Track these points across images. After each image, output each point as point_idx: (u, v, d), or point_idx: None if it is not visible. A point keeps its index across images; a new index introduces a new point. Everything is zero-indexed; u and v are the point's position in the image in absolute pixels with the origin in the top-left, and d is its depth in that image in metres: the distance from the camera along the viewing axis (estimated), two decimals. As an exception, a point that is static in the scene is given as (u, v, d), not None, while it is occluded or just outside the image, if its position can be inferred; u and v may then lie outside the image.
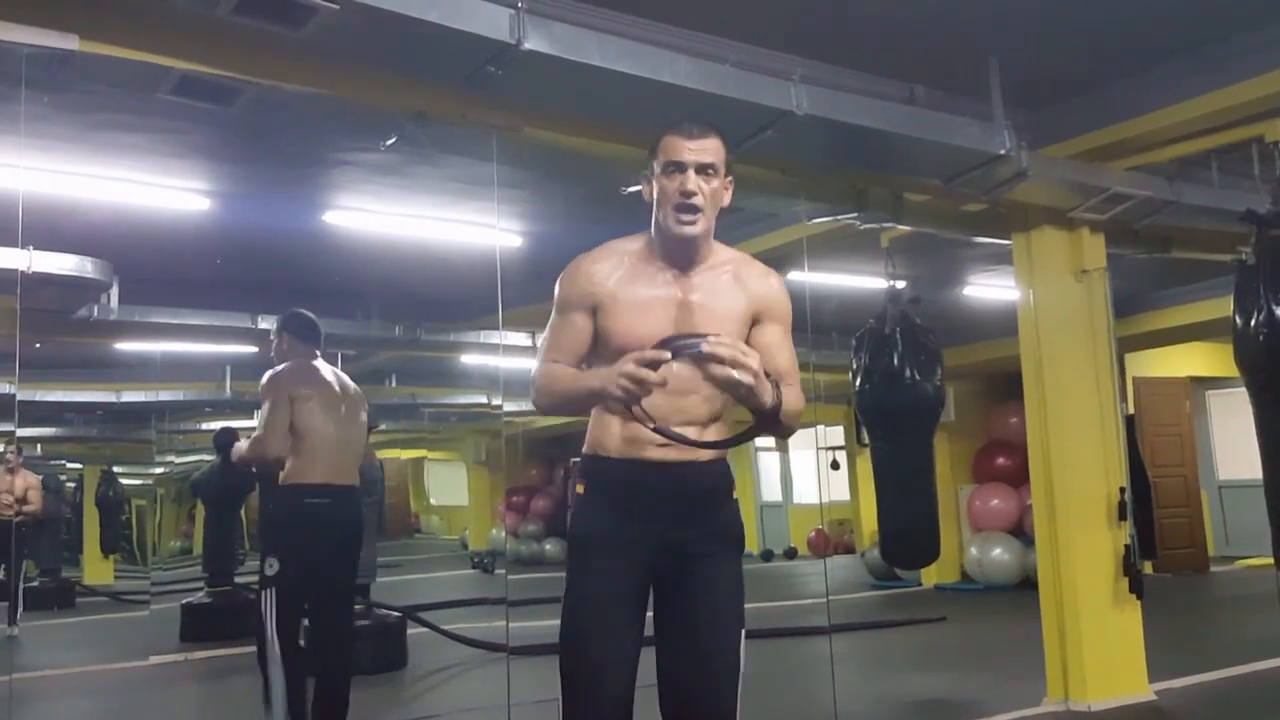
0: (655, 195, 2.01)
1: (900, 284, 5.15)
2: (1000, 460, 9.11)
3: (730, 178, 2.04)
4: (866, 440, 5.25)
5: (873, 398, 5.09)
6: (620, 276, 2.01)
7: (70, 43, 2.59)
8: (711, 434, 1.98)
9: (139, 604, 7.94)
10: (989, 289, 7.08)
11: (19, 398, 4.33)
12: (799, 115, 3.29)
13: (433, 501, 16.71)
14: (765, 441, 14.24)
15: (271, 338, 3.73)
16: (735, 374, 1.73)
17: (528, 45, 2.76)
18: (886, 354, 4.97)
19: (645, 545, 1.97)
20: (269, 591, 3.41)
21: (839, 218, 4.41)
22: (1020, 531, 8.72)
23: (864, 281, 5.80)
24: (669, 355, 1.77)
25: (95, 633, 8.10)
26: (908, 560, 5.96)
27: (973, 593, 8.93)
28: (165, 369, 7.28)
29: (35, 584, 8.65)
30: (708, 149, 1.98)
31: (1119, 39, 3.77)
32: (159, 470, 9.27)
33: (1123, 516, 4.45)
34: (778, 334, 2.05)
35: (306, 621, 3.57)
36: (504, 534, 12.93)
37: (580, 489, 2.06)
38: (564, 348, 2.01)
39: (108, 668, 6.27)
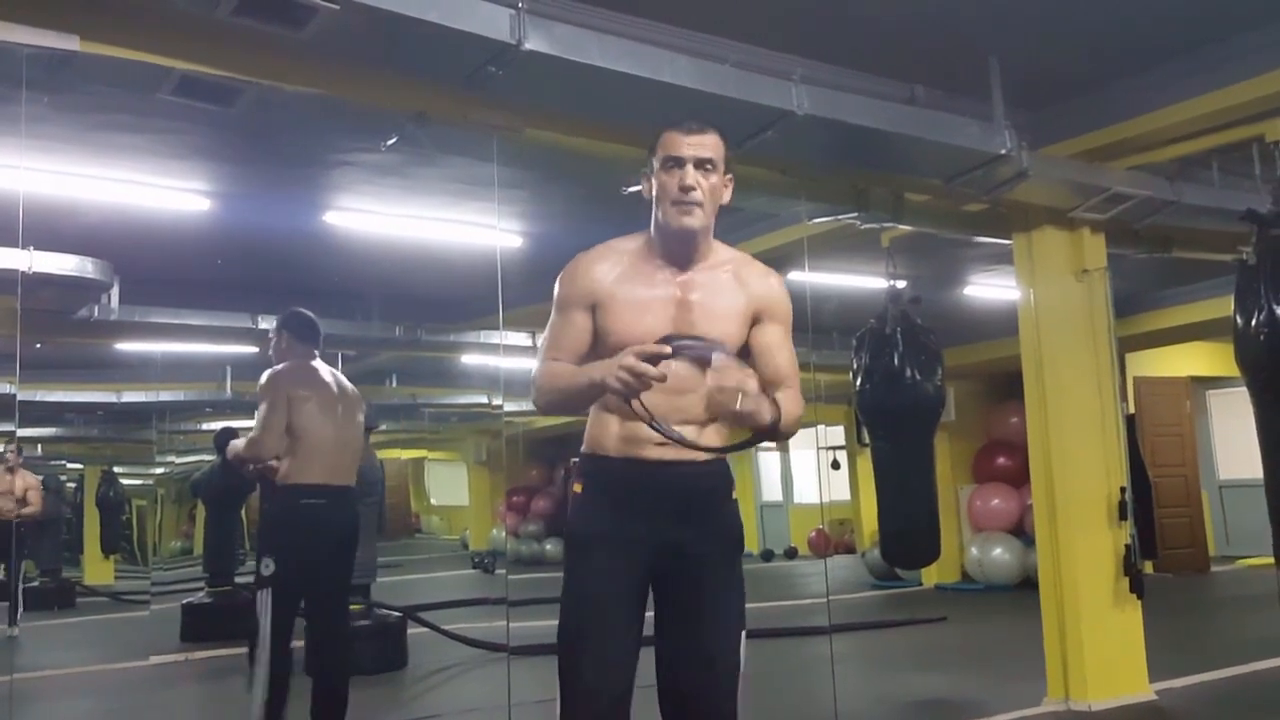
0: (655, 192, 2.01)
1: (901, 284, 5.15)
2: (1001, 460, 9.11)
3: (730, 175, 2.04)
4: (867, 440, 5.25)
5: (873, 398, 5.09)
6: (619, 275, 2.00)
7: (71, 43, 2.59)
8: (710, 434, 1.97)
9: (139, 604, 7.94)
10: (989, 289, 7.08)
11: (19, 398, 4.33)
12: (799, 115, 3.28)
13: (433, 501, 16.72)
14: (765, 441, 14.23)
15: (270, 336, 3.73)
16: (737, 406, 1.75)
17: (528, 45, 2.76)
18: (887, 354, 4.97)
19: (644, 545, 1.97)
20: (264, 592, 3.41)
21: (839, 218, 4.42)
22: (1021, 531, 8.71)
23: (864, 281, 5.80)
24: (669, 350, 1.77)
25: (96, 633, 8.10)
26: (908, 560, 5.96)
27: (973, 593, 8.93)
28: (166, 369, 7.28)
29: (35, 584, 8.65)
30: (706, 144, 1.98)
31: (1119, 39, 3.77)
32: (159, 470, 9.27)
33: (1123, 516, 4.45)
34: (777, 335, 2.05)
35: (304, 622, 3.57)
36: (504, 534, 12.93)
37: (578, 488, 2.05)
38: (564, 346, 2.01)
39: (108, 668, 6.27)
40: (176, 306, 5.95)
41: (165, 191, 4.75)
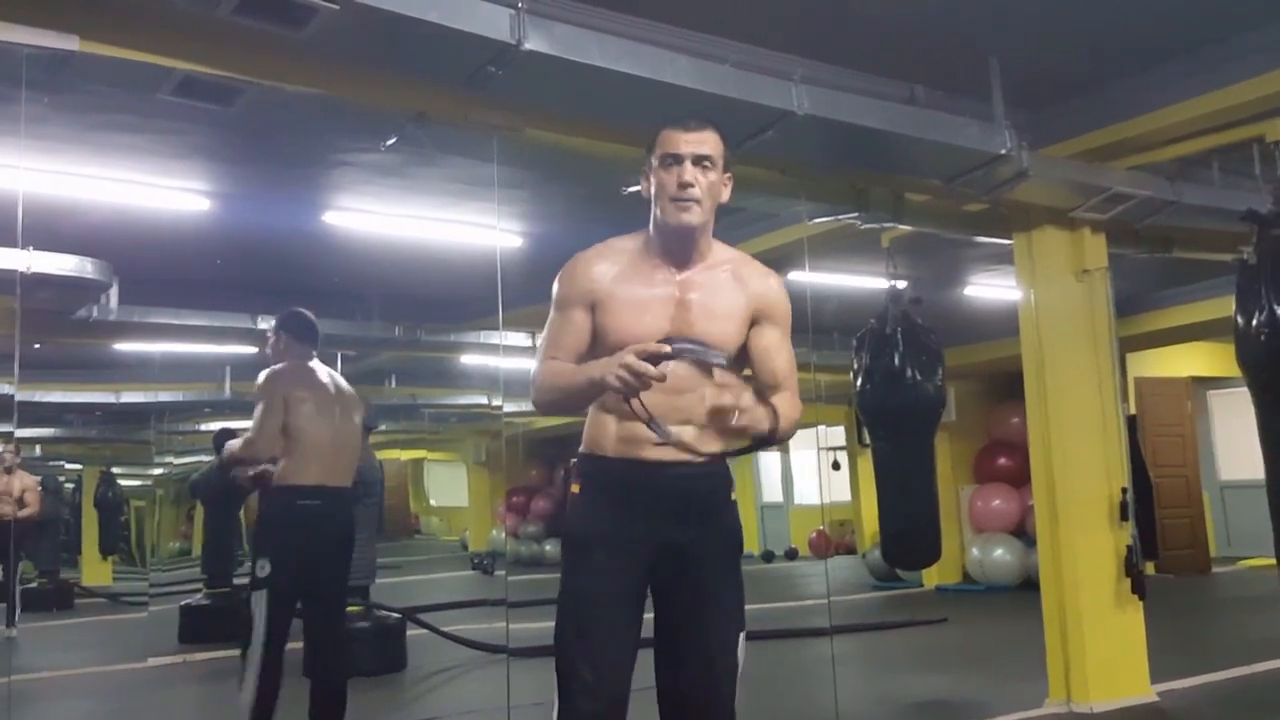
0: (653, 190, 2.00)
1: (901, 284, 5.15)
2: (1001, 461, 9.11)
3: (729, 174, 2.03)
4: (868, 440, 5.24)
5: (874, 398, 5.08)
6: (618, 274, 2.00)
7: (70, 43, 2.58)
8: (709, 435, 1.96)
9: (137, 605, 7.93)
10: (990, 289, 7.08)
11: (18, 398, 4.33)
12: (799, 115, 3.28)
13: (432, 502, 16.70)
14: (765, 442, 14.23)
15: (269, 336, 3.72)
16: (733, 423, 1.76)
17: (528, 45, 2.75)
18: (888, 354, 4.96)
19: (643, 545, 1.96)
20: (259, 593, 3.40)
21: (840, 218, 4.41)
22: (1022, 532, 8.71)
23: (865, 281, 5.80)
24: (669, 350, 1.76)
25: (94, 634, 8.08)
26: (909, 561, 5.95)
27: (974, 594, 8.93)
28: (165, 370, 7.27)
29: (34, 585, 8.64)
30: (705, 141, 1.97)
31: (1119, 39, 3.76)
32: (158, 471, 9.26)
33: (1124, 517, 4.45)
34: (776, 336, 2.04)
35: (301, 624, 3.56)
36: (504, 535, 12.92)
37: (576, 489, 2.04)
38: (563, 345, 2.00)
39: (106, 669, 6.26)
40: (176, 307, 5.94)
41: (165, 191, 4.75)
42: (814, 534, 13.24)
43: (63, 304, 5.28)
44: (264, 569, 3.39)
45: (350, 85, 3.02)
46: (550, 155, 3.62)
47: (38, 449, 9.03)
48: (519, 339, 6.43)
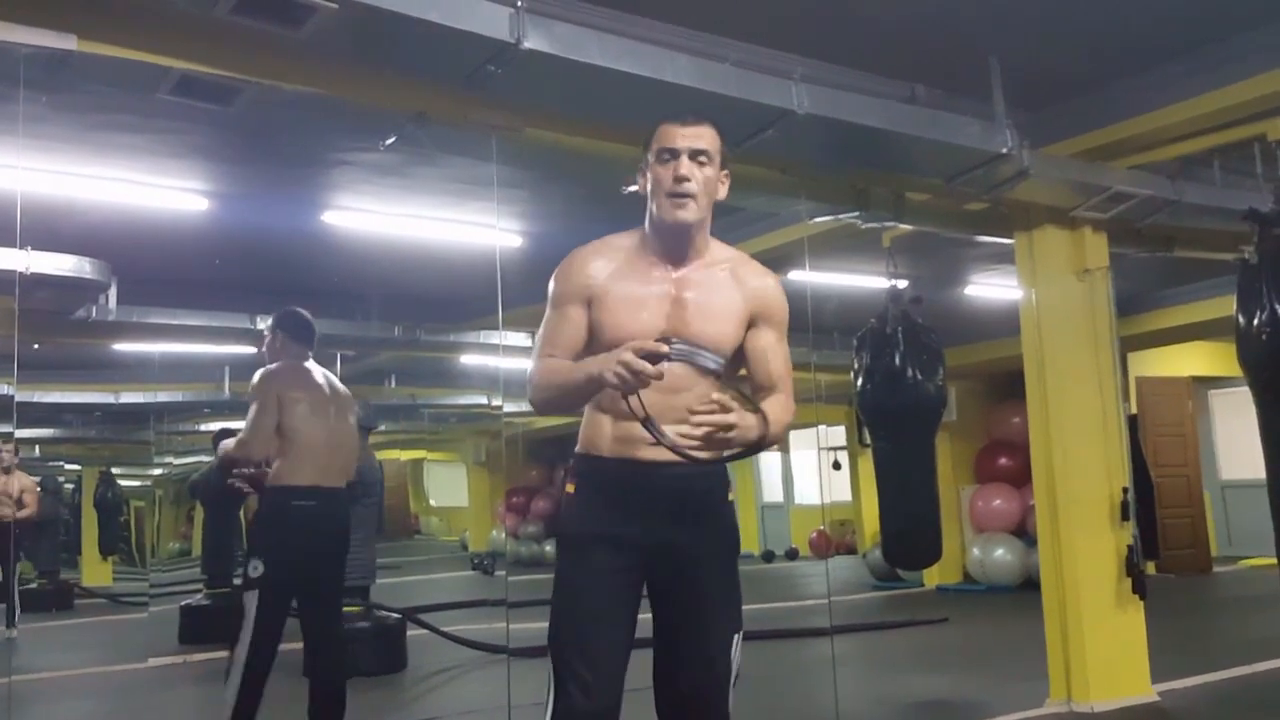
0: (649, 186, 1.99)
1: (902, 283, 5.14)
2: (1002, 460, 9.10)
3: (726, 171, 2.01)
4: (868, 440, 5.24)
5: (874, 398, 5.08)
6: (615, 271, 1.98)
7: (69, 43, 2.58)
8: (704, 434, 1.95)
9: (137, 606, 7.92)
10: (991, 288, 7.07)
11: (17, 399, 4.33)
12: (800, 114, 3.27)
13: (432, 502, 16.69)
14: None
15: (265, 335, 3.71)
16: (721, 436, 1.76)
17: (528, 45, 2.74)
18: (888, 354, 4.95)
19: (639, 546, 1.95)
20: (251, 593, 3.39)
21: (840, 217, 4.40)
22: (1022, 532, 8.71)
23: (865, 281, 5.79)
24: (668, 350, 1.75)
25: (94, 635, 8.08)
26: (909, 561, 5.94)
27: (975, 593, 8.92)
28: (164, 370, 7.26)
29: (33, 586, 8.63)
30: (702, 136, 1.96)
31: (1120, 38, 3.76)
32: (157, 472, 9.26)
33: (1125, 517, 4.44)
34: (773, 338, 2.03)
35: (295, 626, 3.55)
36: (504, 535, 12.92)
37: (571, 488, 2.03)
38: (560, 343, 1.98)
39: (106, 670, 6.25)
40: (175, 307, 5.93)
41: (164, 191, 4.74)
42: (814, 534, 13.24)
43: (61, 304, 5.27)
44: (257, 569, 3.38)
45: (349, 85, 3.01)
46: (550, 155, 3.61)
47: (37, 449, 9.02)
48: (519, 339, 6.42)
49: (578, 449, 2.04)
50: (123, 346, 6.62)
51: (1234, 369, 4.19)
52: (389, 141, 3.40)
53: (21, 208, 3.20)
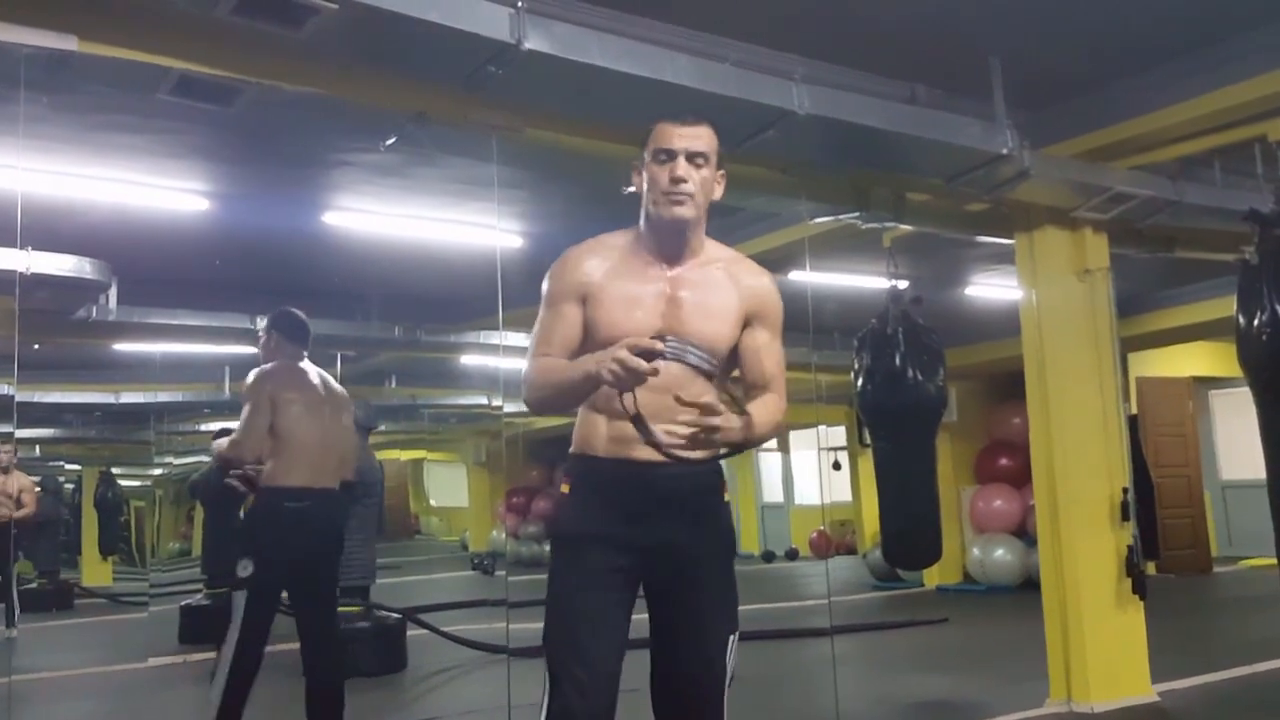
0: (645, 184, 1.98)
1: (902, 284, 5.13)
2: (1002, 461, 9.10)
3: (722, 171, 2.01)
4: (868, 441, 5.23)
5: (875, 398, 5.07)
6: (610, 269, 1.98)
7: (69, 43, 2.58)
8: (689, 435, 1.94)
9: (138, 606, 7.92)
10: (991, 289, 7.07)
11: (17, 399, 4.33)
12: (800, 115, 3.27)
13: (432, 503, 16.70)
14: (767, 442, 14.25)
15: (260, 335, 3.71)
16: (705, 438, 1.75)
17: (528, 45, 2.74)
18: (888, 354, 4.95)
19: (635, 546, 1.94)
20: (240, 593, 3.39)
21: (840, 217, 4.40)
22: (1023, 532, 8.71)
23: (866, 281, 5.79)
24: (663, 348, 1.75)
25: (94, 635, 8.08)
26: (910, 561, 5.94)
27: (975, 594, 8.92)
28: (164, 370, 7.26)
29: (33, 586, 8.63)
30: (699, 136, 1.96)
31: (1120, 39, 3.76)
32: (158, 472, 9.26)
33: (1125, 517, 4.44)
34: (767, 338, 2.03)
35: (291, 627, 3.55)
36: (504, 535, 12.92)
37: (566, 488, 2.02)
38: (554, 341, 1.98)
39: (106, 670, 6.25)
40: (175, 307, 5.94)
41: (164, 191, 4.74)
42: (815, 534, 13.24)
43: (62, 304, 5.27)
44: (246, 569, 3.38)
45: (349, 85, 3.01)
46: (550, 155, 3.61)
47: (37, 449, 9.02)
48: (519, 339, 6.40)
49: (572, 449, 2.03)
50: (123, 346, 6.62)
51: (1234, 369, 4.19)
52: (389, 142, 3.40)
53: (22, 208, 3.19)
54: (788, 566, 12.99)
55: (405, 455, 14.61)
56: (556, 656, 1.93)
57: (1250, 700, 4.63)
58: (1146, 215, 4.46)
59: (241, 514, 3.68)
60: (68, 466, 10.06)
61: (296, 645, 3.52)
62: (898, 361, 4.93)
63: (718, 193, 2.01)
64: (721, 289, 2.00)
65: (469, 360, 7.89)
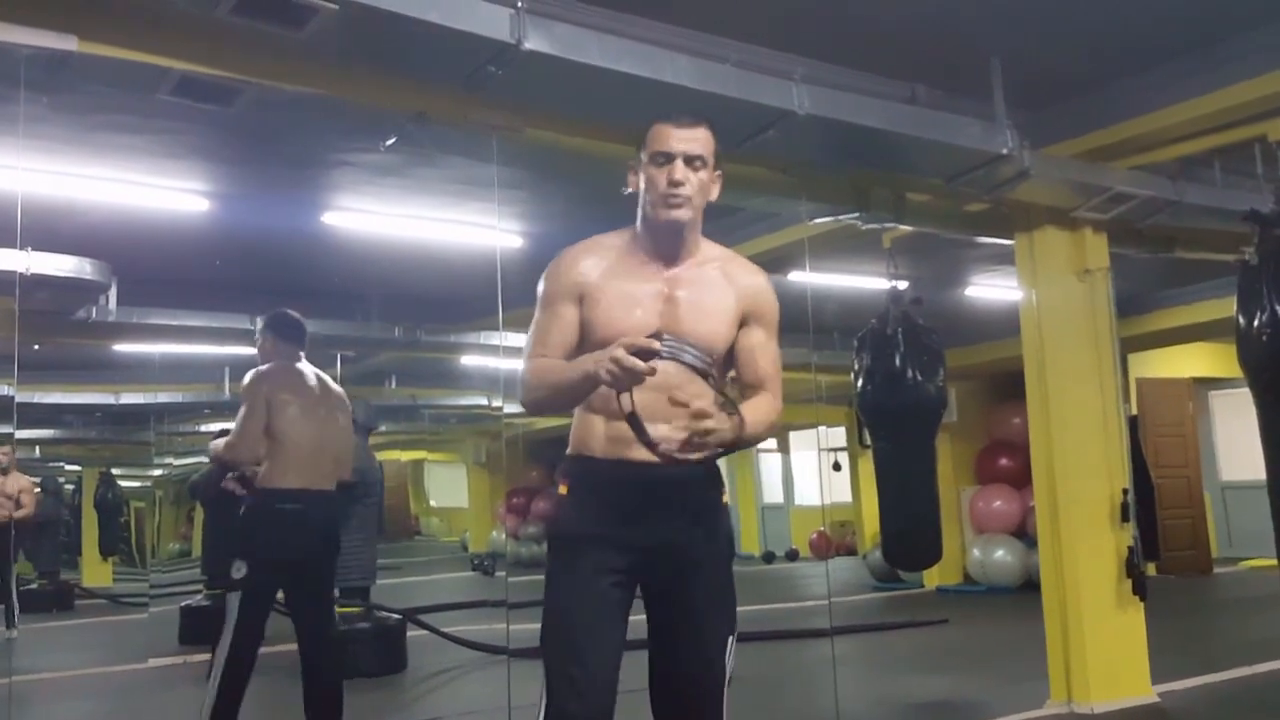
0: (642, 185, 1.98)
1: (902, 284, 5.14)
2: (1003, 461, 9.10)
3: (719, 171, 2.01)
4: (868, 441, 5.23)
5: (875, 398, 5.07)
6: (606, 269, 1.98)
7: (69, 43, 2.58)
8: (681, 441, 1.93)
9: (138, 606, 7.92)
10: (991, 289, 7.07)
11: (17, 399, 4.32)
12: (800, 115, 3.27)
13: (433, 503, 16.69)
14: (767, 443, 14.27)
15: (256, 338, 3.71)
16: (697, 440, 1.75)
17: (528, 45, 2.75)
18: (888, 355, 4.95)
19: (633, 547, 1.93)
20: (234, 595, 3.39)
21: (840, 218, 4.40)
22: (1023, 533, 8.70)
23: (866, 282, 5.79)
24: (659, 347, 1.75)
25: (94, 635, 8.08)
26: (910, 562, 5.94)
27: (975, 594, 8.92)
28: (164, 370, 7.26)
29: (34, 586, 8.63)
30: (697, 139, 1.95)
31: (1120, 38, 3.76)
32: (158, 472, 9.26)
33: (1126, 518, 4.44)
34: (762, 336, 2.03)
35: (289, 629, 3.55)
36: (504, 536, 12.91)
37: (563, 490, 2.01)
38: (551, 342, 1.97)
39: (107, 670, 6.25)
40: (175, 307, 5.94)
41: (164, 192, 4.74)
42: (815, 535, 13.24)
43: (62, 305, 5.27)
44: (240, 570, 3.39)
45: (349, 85, 3.01)
46: (550, 155, 3.61)
47: (37, 450, 9.02)
48: (519, 340, 6.29)
49: (569, 451, 2.03)
50: (123, 347, 6.62)
51: (1234, 370, 4.19)
52: (389, 142, 3.40)
53: (22, 208, 3.19)
54: (788, 567, 12.99)
55: (405, 456, 14.61)
56: (554, 659, 1.93)
57: (1251, 701, 4.63)
58: (1146, 215, 4.46)
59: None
60: (68, 467, 10.06)
61: (295, 645, 3.52)
62: (898, 362, 4.93)
63: (714, 193, 2.01)
64: (718, 288, 2.00)
65: (469, 361, 7.89)
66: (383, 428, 8.82)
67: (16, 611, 7.06)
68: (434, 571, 12.70)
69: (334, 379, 3.76)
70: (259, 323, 3.70)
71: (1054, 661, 4.44)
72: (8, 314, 4.09)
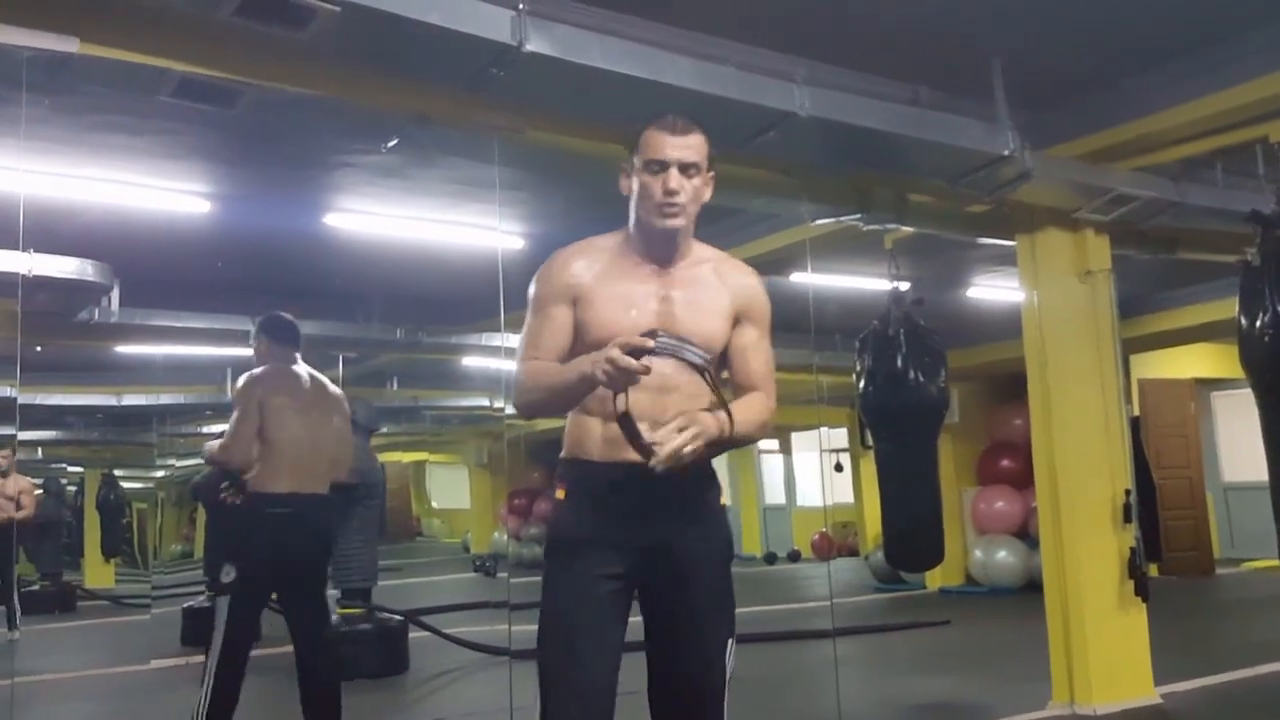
0: (636, 191, 1.98)
1: (904, 285, 5.13)
2: (1005, 462, 9.09)
3: (712, 173, 2.01)
4: (870, 442, 5.23)
5: (876, 399, 5.07)
6: (600, 271, 1.97)
7: (70, 45, 2.58)
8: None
9: (140, 608, 7.93)
10: (993, 290, 7.06)
11: (20, 401, 4.32)
12: (802, 116, 3.27)
13: (434, 504, 16.71)
14: (769, 444, 14.27)
15: (251, 341, 3.71)
16: (690, 447, 1.75)
17: (529, 47, 2.74)
18: (890, 356, 4.94)
19: (632, 550, 1.93)
20: (223, 599, 3.39)
21: (842, 219, 4.40)
22: (1025, 534, 8.69)
23: (867, 283, 5.78)
24: (652, 344, 1.75)
25: (96, 637, 8.09)
26: (912, 563, 5.93)
27: (977, 596, 8.91)
28: (166, 372, 7.28)
29: (36, 587, 8.64)
30: (691, 145, 1.95)
31: (1122, 39, 3.75)
32: (160, 474, 9.27)
33: (1128, 519, 4.43)
34: (755, 336, 2.03)
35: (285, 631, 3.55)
36: (506, 537, 12.92)
37: (561, 494, 2.00)
38: (544, 345, 1.97)
39: (109, 672, 6.26)
40: (177, 309, 5.95)
41: (165, 193, 4.74)
42: (817, 536, 13.22)
43: (64, 306, 5.28)
44: (229, 574, 3.39)
45: (351, 87, 3.01)
46: (551, 156, 3.61)
47: (39, 451, 9.02)
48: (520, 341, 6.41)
49: (565, 454, 2.01)
50: (125, 349, 6.62)
51: (1236, 371, 4.19)
52: (391, 143, 3.41)
53: (24, 210, 3.20)
54: (790, 568, 12.98)
55: (407, 457, 14.62)
56: (553, 663, 1.92)
57: (1253, 702, 4.63)
58: (1148, 216, 4.46)
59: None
60: (70, 469, 10.07)
61: (281, 650, 3.51)
62: (899, 363, 4.92)
63: (707, 195, 2.01)
64: (712, 288, 2.00)
65: (471, 362, 7.89)
66: (384, 429, 8.82)
67: (18, 613, 7.06)
68: (436, 573, 12.71)
69: (335, 380, 3.76)
70: (253, 325, 3.70)
71: (1056, 662, 4.43)
72: (10, 315, 4.10)
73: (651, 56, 3.02)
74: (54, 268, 4.78)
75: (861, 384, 5.11)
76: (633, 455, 1.83)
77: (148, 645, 6.67)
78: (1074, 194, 4.26)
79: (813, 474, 13.70)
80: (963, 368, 7.11)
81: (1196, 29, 3.69)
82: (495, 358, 7.07)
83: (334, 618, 5.50)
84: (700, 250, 2.05)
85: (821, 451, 10.51)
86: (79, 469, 10.09)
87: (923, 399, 4.98)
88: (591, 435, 1.95)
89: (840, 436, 11.34)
